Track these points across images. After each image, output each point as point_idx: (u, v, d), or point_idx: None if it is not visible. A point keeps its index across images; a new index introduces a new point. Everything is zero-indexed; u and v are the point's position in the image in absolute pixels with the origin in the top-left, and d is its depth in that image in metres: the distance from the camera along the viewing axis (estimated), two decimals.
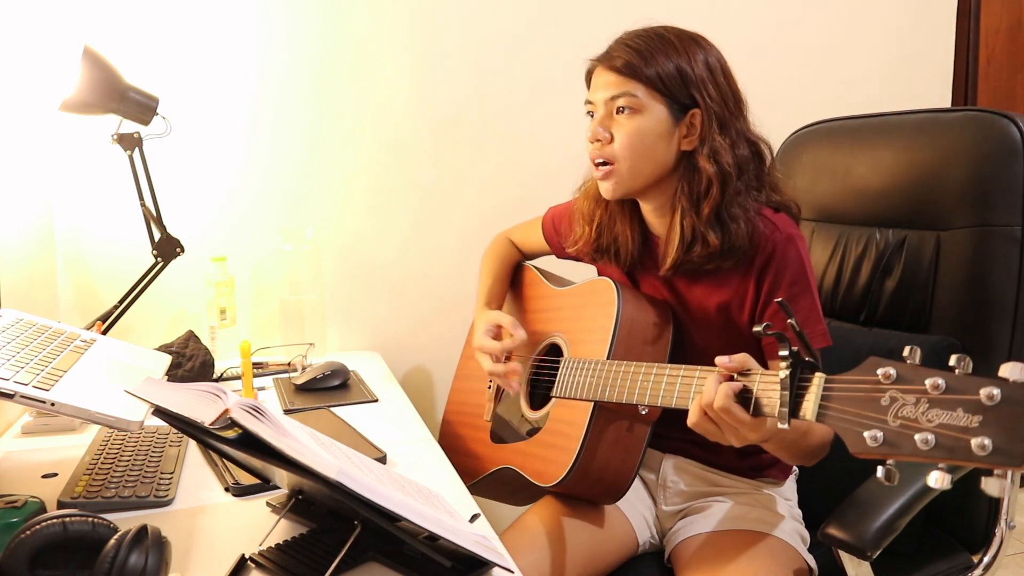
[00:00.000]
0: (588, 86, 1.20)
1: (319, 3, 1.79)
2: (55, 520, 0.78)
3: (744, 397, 0.89)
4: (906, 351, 0.72)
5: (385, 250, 1.91)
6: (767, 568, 1.11)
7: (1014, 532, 1.22)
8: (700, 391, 0.94)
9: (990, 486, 0.65)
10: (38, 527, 0.77)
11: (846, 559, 1.00)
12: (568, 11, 1.95)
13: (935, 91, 2.29)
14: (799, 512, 1.25)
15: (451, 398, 1.60)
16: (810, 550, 1.20)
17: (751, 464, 1.25)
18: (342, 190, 1.86)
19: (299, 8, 1.78)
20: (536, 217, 1.49)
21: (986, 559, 1.22)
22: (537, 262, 1.53)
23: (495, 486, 1.38)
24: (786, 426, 0.82)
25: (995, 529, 1.23)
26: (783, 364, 0.83)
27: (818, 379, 0.81)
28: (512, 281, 1.52)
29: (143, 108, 1.52)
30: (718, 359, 0.91)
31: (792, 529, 1.20)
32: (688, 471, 1.27)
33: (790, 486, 1.28)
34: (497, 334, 1.36)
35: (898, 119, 1.40)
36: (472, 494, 1.10)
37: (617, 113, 1.13)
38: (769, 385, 0.87)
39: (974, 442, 0.64)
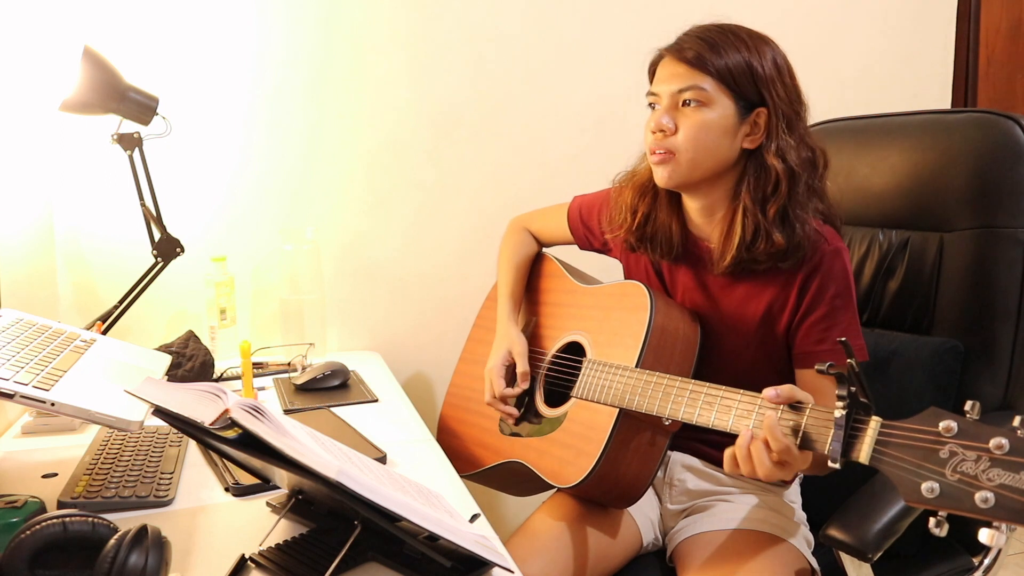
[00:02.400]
0: (651, 77, 1.18)
1: (317, 3, 1.79)
2: (55, 520, 0.78)
3: (792, 429, 0.89)
4: (967, 405, 0.72)
5: (385, 250, 1.91)
6: (770, 569, 1.11)
7: (1014, 533, 1.22)
8: (742, 416, 0.94)
9: None
10: (38, 527, 0.77)
11: (847, 561, 1.00)
12: (567, 9, 1.94)
13: (935, 91, 2.29)
14: (803, 514, 1.25)
15: (455, 381, 1.58)
16: (812, 552, 1.19)
17: None
18: (342, 190, 1.86)
19: (297, 8, 1.77)
20: (558, 205, 1.46)
21: (987, 561, 1.22)
22: (558, 252, 1.51)
23: (499, 477, 1.37)
24: (837, 466, 0.82)
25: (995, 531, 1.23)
26: (839, 404, 0.83)
27: (874, 423, 0.81)
28: (531, 269, 1.50)
29: (143, 108, 1.51)
30: (765, 391, 0.91)
31: (796, 531, 1.19)
32: (695, 470, 1.27)
33: (795, 489, 1.28)
34: (510, 365, 1.35)
35: (902, 120, 1.40)
36: (472, 481, 1.09)
37: (683, 105, 1.11)
38: (820, 420, 0.87)
39: None
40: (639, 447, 1.15)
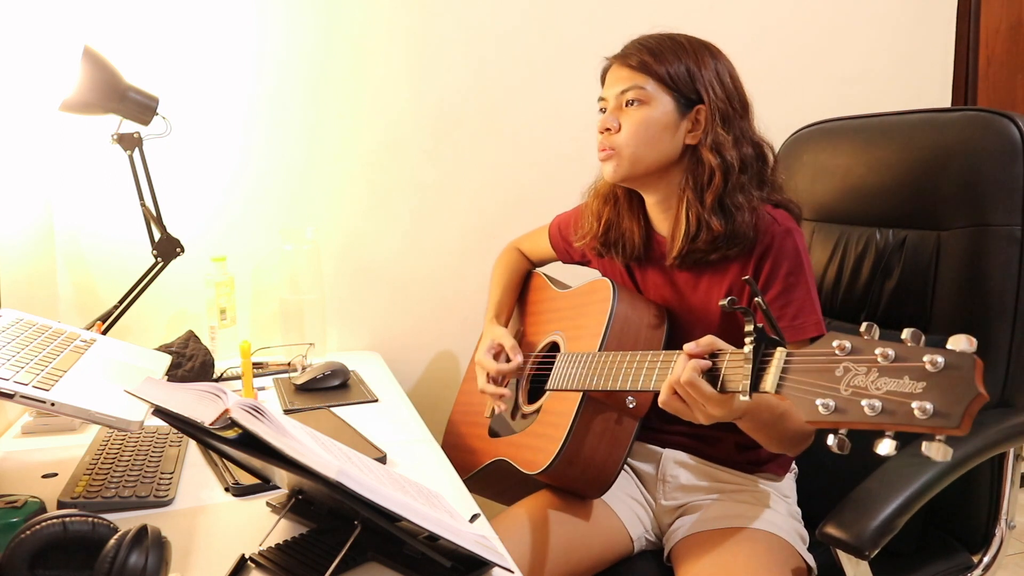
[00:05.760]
0: (603, 84, 1.26)
1: (317, 3, 1.79)
2: (55, 520, 0.78)
3: (712, 375, 0.92)
4: (863, 327, 0.74)
5: (385, 250, 1.91)
6: (766, 566, 1.11)
7: (1014, 532, 1.22)
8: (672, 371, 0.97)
9: (932, 450, 0.67)
10: (38, 527, 0.77)
11: (844, 559, 1.00)
12: (567, 9, 1.95)
13: (935, 91, 2.29)
14: (798, 510, 1.26)
15: (458, 399, 1.63)
16: (810, 549, 1.20)
17: (749, 458, 1.25)
18: (342, 189, 1.86)
19: (297, 8, 1.78)
20: (543, 225, 1.54)
21: (986, 559, 1.22)
22: (546, 268, 1.57)
23: (490, 480, 1.40)
24: (747, 398, 0.85)
25: (995, 529, 1.23)
26: (747, 340, 0.86)
27: (779, 353, 0.83)
28: (523, 287, 1.57)
29: (143, 108, 1.52)
30: (686, 345, 0.95)
31: (791, 528, 1.20)
32: (687, 465, 1.28)
33: (789, 484, 1.28)
34: (499, 353, 1.41)
35: (898, 119, 1.40)
36: (468, 490, 1.10)
37: (626, 106, 1.19)
38: (736, 362, 0.90)
39: (915, 405, 0.66)
40: (605, 429, 1.19)
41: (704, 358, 0.94)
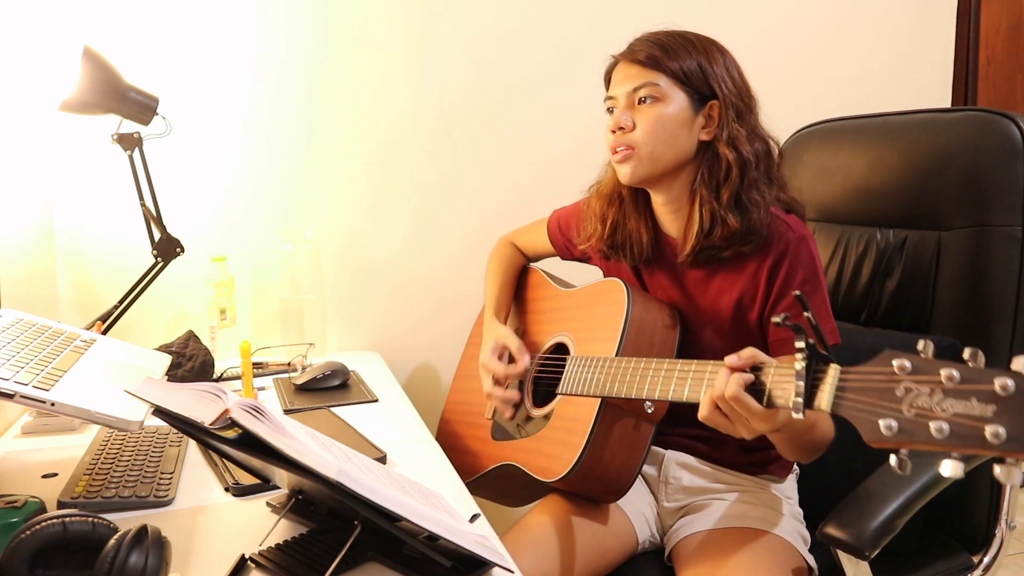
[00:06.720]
0: (607, 85, 1.22)
1: (317, 3, 1.79)
2: (55, 520, 0.78)
3: (756, 389, 0.90)
4: (920, 344, 0.72)
5: (385, 250, 1.91)
6: (767, 567, 1.11)
7: (1014, 532, 1.22)
8: (712, 384, 0.94)
9: (1003, 474, 0.66)
10: (38, 527, 0.77)
11: (844, 559, 1.00)
12: (567, 9, 1.95)
13: (935, 91, 2.29)
14: (799, 511, 1.25)
15: (450, 398, 1.61)
16: (810, 550, 1.20)
17: (753, 460, 1.25)
18: (342, 190, 1.86)
19: (297, 8, 1.78)
20: (539, 220, 1.51)
21: (986, 559, 1.22)
22: (543, 264, 1.55)
23: (494, 484, 1.38)
24: (801, 416, 0.83)
25: (995, 529, 1.23)
26: (799, 356, 0.83)
27: (833, 370, 0.82)
28: (518, 282, 1.54)
29: (143, 108, 1.52)
30: (727, 357, 0.92)
31: (792, 528, 1.20)
32: (690, 467, 1.28)
33: (791, 484, 1.28)
34: (503, 355, 1.38)
35: (898, 119, 1.40)
36: (470, 493, 1.10)
37: (639, 103, 1.16)
38: (783, 377, 0.88)
39: (988, 430, 0.65)
40: (623, 436, 1.17)
41: (745, 371, 0.91)
